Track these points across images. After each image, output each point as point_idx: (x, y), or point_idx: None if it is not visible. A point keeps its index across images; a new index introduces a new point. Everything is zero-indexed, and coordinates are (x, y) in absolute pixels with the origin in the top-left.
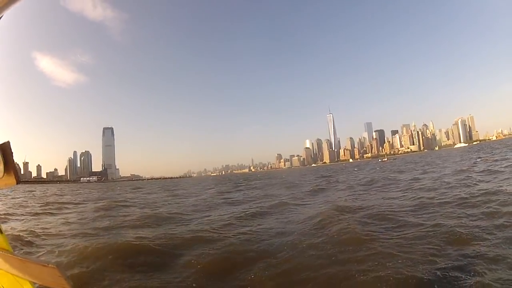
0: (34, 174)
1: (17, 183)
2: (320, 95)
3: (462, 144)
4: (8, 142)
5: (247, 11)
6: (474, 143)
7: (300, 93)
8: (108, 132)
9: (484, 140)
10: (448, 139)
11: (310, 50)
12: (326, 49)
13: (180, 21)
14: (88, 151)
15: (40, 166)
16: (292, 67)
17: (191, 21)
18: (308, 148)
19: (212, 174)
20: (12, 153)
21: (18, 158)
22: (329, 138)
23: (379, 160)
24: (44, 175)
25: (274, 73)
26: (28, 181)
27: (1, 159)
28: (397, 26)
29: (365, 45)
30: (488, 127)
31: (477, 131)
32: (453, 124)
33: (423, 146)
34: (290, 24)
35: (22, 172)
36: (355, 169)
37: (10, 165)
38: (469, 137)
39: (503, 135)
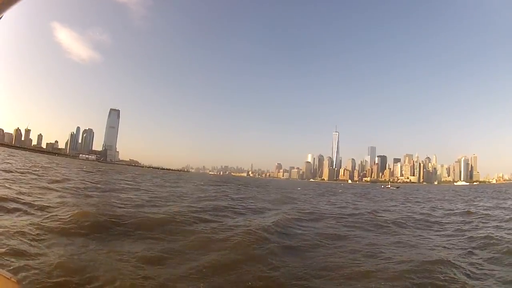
0: (34, 142)
1: None
2: (329, 112)
3: (464, 183)
4: None
5: (266, 15)
6: (474, 183)
7: (309, 106)
8: (114, 114)
9: (484, 181)
10: (448, 175)
11: (326, 66)
12: (342, 67)
13: (199, 17)
14: (91, 129)
15: (42, 136)
16: (303, 79)
17: (209, 18)
18: (309, 162)
19: (210, 173)
20: None
21: (21, 125)
22: (331, 156)
23: (382, 186)
24: (44, 145)
25: (283, 82)
26: (26, 149)
27: None
28: (418, 55)
29: (382, 69)
30: (490, 169)
31: (478, 172)
32: (456, 161)
33: (422, 178)
34: (311, 37)
35: (23, 139)
36: (340, 190)
37: None
38: (469, 176)
39: (504, 180)
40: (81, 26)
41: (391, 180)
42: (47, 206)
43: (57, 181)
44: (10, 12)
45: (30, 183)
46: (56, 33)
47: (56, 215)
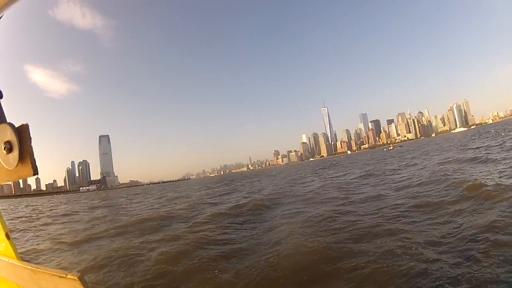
0: (33, 187)
1: (34, 174)
2: (314, 90)
3: (461, 129)
4: (27, 125)
5: (239, 9)
6: (471, 127)
7: (294, 89)
8: (105, 140)
9: (481, 124)
10: (444, 125)
11: (302, 46)
12: (317, 44)
13: (171, 24)
14: (85, 160)
15: (39, 179)
16: (284, 64)
17: (182, 23)
18: (305, 142)
19: (211, 175)
20: (30, 138)
21: None
22: (325, 132)
23: (384, 149)
24: (43, 187)
25: (267, 71)
26: (27, 195)
27: (17, 144)
28: (388, 16)
29: (356, 37)
30: (484, 111)
31: (473, 116)
32: (448, 110)
33: (419, 133)
34: (282, 20)
35: (21, 186)
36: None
37: (26, 153)
38: (465, 121)
39: (499, 118)
40: (53, 63)
41: (389, 141)
42: (54, 237)
43: (58, 217)
44: None
45: (33, 224)
46: (30, 75)
47: (67, 241)
